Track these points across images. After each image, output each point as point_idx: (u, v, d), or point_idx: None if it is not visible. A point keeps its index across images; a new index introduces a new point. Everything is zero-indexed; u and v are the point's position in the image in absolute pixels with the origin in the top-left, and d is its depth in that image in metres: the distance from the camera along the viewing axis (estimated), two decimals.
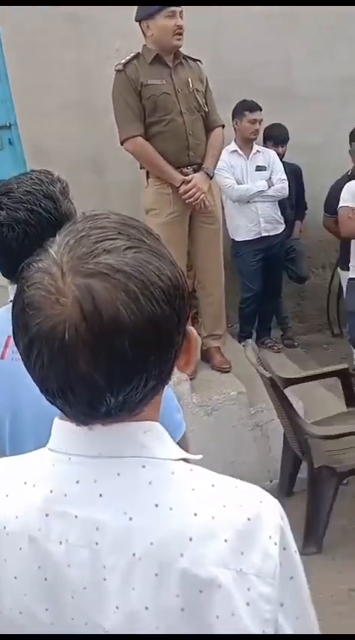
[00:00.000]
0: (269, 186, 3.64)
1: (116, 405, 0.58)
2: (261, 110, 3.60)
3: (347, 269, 3.55)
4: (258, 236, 3.68)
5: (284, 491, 2.80)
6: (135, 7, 2.81)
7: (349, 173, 3.54)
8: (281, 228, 3.77)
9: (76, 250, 0.57)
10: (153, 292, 0.57)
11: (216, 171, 3.49)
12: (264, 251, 3.72)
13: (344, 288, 3.69)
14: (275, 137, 3.78)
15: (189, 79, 2.80)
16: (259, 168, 3.67)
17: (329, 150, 3.72)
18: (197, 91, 2.81)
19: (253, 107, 3.59)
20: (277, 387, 2.47)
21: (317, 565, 2.32)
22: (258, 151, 3.70)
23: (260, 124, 3.62)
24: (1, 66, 3.46)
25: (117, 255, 0.57)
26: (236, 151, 3.66)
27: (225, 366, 3.06)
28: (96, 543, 0.60)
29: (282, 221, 3.77)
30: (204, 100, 2.83)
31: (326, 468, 2.43)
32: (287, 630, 0.61)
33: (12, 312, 0.61)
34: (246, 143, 3.67)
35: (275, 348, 3.88)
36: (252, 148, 3.69)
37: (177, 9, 2.67)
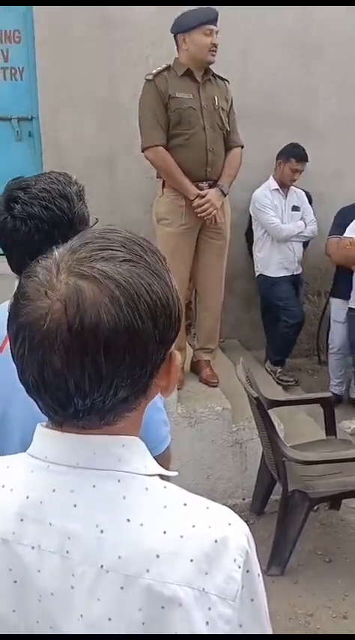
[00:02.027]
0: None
1: (84, 408, 0.60)
2: (307, 162, 3.69)
3: (338, 297, 3.71)
4: (291, 274, 3.83)
5: (255, 510, 2.84)
6: (169, 17, 2.87)
7: None
8: (301, 269, 3.94)
9: (77, 254, 0.60)
10: (137, 305, 0.59)
11: (259, 208, 3.67)
12: (289, 288, 3.86)
13: (331, 316, 3.84)
14: (299, 155, 3.74)
15: (216, 97, 2.86)
16: (295, 209, 3.80)
17: (338, 183, 3.81)
18: (222, 109, 2.87)
19: (301, 157, 3.69)
20: (262, 407, 2.51)
21: (279, 587, 2.37)
22: (293, 192, 3.82)
23: (300, 174, 3.70)
24: (31, 57, 3.49)
25: (113, 264, 0.59)
26: (277, 189, 3.76)
27: (213, 381, 3.10)
28: (67, 552, 0.61)
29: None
30: (227, 119, 2.89)
31: (299, 492, 2.47)
32: None
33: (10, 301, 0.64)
34: (283, 184, 3.77)
35: (284, 377, 3.96)
36: (289, 188, 3.81)
37: (215, 28, 2.75)
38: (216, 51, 2.77)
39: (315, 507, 2.73)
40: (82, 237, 0.63)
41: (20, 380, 0.63)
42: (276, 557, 2.49)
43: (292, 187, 3.82)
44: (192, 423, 2.86)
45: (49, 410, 0.62)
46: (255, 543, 0.65)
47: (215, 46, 2.75)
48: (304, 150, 3.70)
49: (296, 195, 3.83)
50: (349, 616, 2.30)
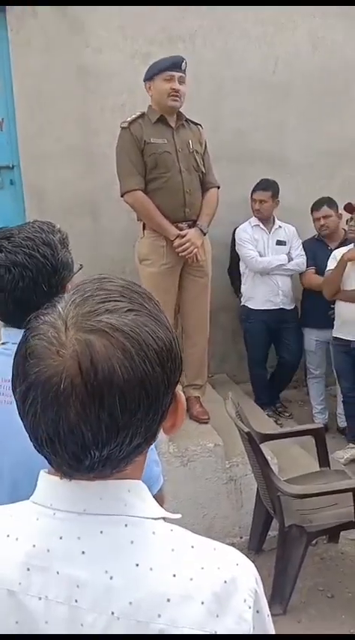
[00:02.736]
0: (289, 260, 3.82)
1: (100, 460, 0.60)
2: (263, 190, 3.76)
3: (307, 327, 3.87)
4: (275, 307, 3.84)
5: (253, 547, 2.80)
6: (143, 65, 2.98)
7: (315, 237, 3.89)
8: (294, 304, 3.94)
9: (81, 308, 0.61)
10: (147, 353, 0.60)
11: (238, 243, 3.75)
12: (279, 322, 3.87)
13: (306, 345, 3.93)
14: (258, 186, 3.81)
15: (190, 141, 2.95)
16: (279, 243, 3.85)
17: (310, 217, 3.90)
18: (196, 152, 2.95)
19: (260, 187, 3.78)
20: (254, 442, 2.50)
21: (281, 627, 2.32)
22: (279, 227, 3.88)
23: (262, 203, 3.76)
24: (10, 108, 3.58)
25: (118, 315, 0.60)
26: (258, 225, 3.84)
27: (204, 417, 3.09)
28: (76, 600, 0.60)
29: (294, 298, 3.94)
30: (202, 161, 2.98)
31: (296, 527, 2.44)
32: None
33: (14, 359, 0.64)
34: (264, 219, 3.84)
35: (286, 414, 4.00)
36: (273, 223, 3.87)
37: (176, 74, 2.83)
38: (177, 96, 2.82)
39: (314, 541, 2.70)
40: (80, 290, 0.64)
41: (31, 438, 0.63)
42: (277, 596, 2.44)
43: (278, 222, 3.87)
44: (184, 461, 2.83)
45: (65, 465, 0.62)
46: (262, 587, 0.66)
47: (175, 90, 2.81)
48: (267, 181, 3.78)
49: (284, 230, 3.88)
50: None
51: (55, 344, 0.59)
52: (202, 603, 0.59)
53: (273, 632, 0.66)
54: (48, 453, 0.62)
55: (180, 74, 2.84)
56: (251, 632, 0.61)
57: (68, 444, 0.60)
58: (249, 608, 0.61)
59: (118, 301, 0.62)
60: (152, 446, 1.16)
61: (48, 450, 0.62)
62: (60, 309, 0.62)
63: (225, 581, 0.61)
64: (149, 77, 2.90)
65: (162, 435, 0.67)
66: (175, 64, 2.82)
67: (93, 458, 0.60)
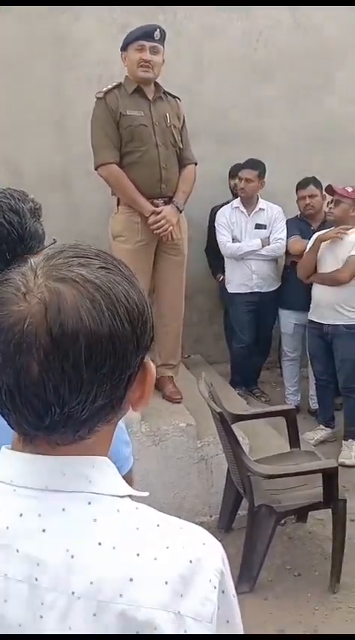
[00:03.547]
0: (264, 245, 3.75)
1: (61, 419, 0.58)
2: (251, 169, 3.70)
3: (285, 308, 3.87)
4: (250, 291, 3.82)
5: (223, 526, 2.81)
6: (121, 34, 2.88)
7: (298, 216, 3.85)
8: (276, 285, 3.90)
9: (52, 260, 0.60)
10: (117, 308, 0.58)
11: (216, 226, 3.69)
12: (256, 304, 3.85)
13: (280, 327, 3.95)
14: (245, 164, 3.76)
15: (167, 114, 2.87)
16: (259, 226, 3.78)
17: (292, 195, 3.87)
18: (174, 126, 2.88)
19: (247, 165, 3.72)
20: (225, 422, 2.50)
21: (248, 605, 2.34)
22: (261, 209, 3.80)
23: (248, 182, 3.69)
24: None
25: (91, 269, 0.59)
26: (238, 207, 3.78)
27: (177, 397, 3.07)
28: (36, 579, 0.59)
29: (278, 278, 3.90)
30: (179, 137, 2.91)
31: (265, 507, 2.45)
32: None
33: None
34: (245, 200, 3.78)
35: (263, 399, 4.01)
36: (255, 206, 3.79)
37: (147, 44, 2.73)
38: (147, 67, 2.73)
39: (282, 521, 2.73)
40: (54, 247, 0.63)
41: None
42: (245, 574, 2.47)
43: (261, 204, 3.80)
44: (156, 441, 2.82)
45: (23, 422, 0.59)
46: (229, 567, 0.64)
47: (145, 61, 2.72)
48: (254, 160, 3.72)
49: (266, 212, 3.80)
50: (320, 630, 2.28)
51: (22, 290, 0.58)
52: (166, 583, 0.58)
53: (239, 613, 0.64)
54: (8, 411, 0.60)
55: (153, 44, 2.74)
56: (216, 612, 0.59)
57: (29, 397, 0.57)
58: (215, 588, 0.60)
59: (92, 258, 0.61)
60: (123, 427, 1.15)
61: (8, 406, 0.59)
62: (32, 261, 0.61)
63: (191, 561, 0.59)
64: (123, 47, 2.81)
65: (133, 414, 0.64)
66: (147, 33, 2.73)
67: (53, 415, 0.58)
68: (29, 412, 0.58)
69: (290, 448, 2.89)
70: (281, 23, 4.06)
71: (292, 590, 2.49)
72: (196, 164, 3.02)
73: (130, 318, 0.60)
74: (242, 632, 0.65)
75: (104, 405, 0.60)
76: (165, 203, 2.86)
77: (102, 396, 0.59)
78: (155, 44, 2.74)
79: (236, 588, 0.64)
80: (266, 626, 2.28)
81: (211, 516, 2.90)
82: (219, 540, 0.65)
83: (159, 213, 2.81)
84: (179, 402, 3.06)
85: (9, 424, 0.62)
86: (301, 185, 3.76)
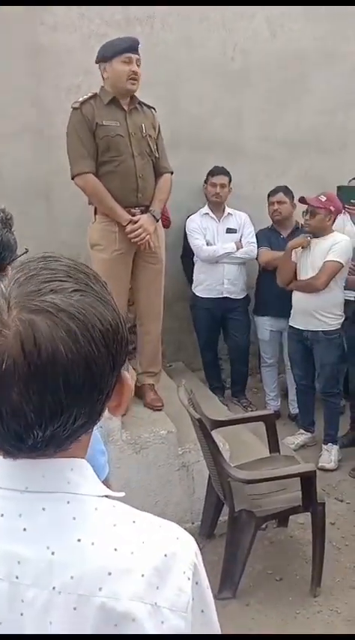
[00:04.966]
0: (238, 248, 3.82)
1: (43, 440, 0.60)
2: (224, 175, 3.80)
3: (260, 315, 3.92)
4: (219, 296, 3.85)
5: (205, 533, 2.82)
6: (99, 45, 2.89)
7: (269, 227, 3.93)
8: (244, 294, 3.95)
9: (24, 287, 0.60)
10: (92, 334, 0.60)
11: (187, 233, 3.77)
12: (222, 311, 3.89)
13: (257, 334, 4.00)
14: (215, 171, 3.84)
15: (143, 125, 2.89)
16: (230, 231, 3.86)
17: (266, 205, 3.92)
18: (149, 136, 2.90)
19: (215, 171, 3.81)
20: (205, 429, 2.51)
21: (231, 611, 2.34)
22: (229, 214, 3.89)
23: (223, 188, 3.79)
24: None
25: (63, 295, 0.60)
26: (207, 213, 3.85)
27: (158, 404, 3.08)
28: (17, 577, 0.61)
29: (245, 287, 3.95)
30: (155, 146, 2.93)
31: (246, 512, 2.46)
32: None
33: None
34: (215, 206, 3.85)
35: (250, 409, 4.00)
36: (224, 211, 3.88)
37: (134, 56, 2.77)
38: (135, 79, 2.77)
39: (263, 526, 2.74)
40: (24, 268, 0.63)
41: None
42: (227, 580, 2.47)
43: (228, 210, 3.89)
44: (137, 449, 2.82)
45: (7, 444, 0.61)
46: (206, 568, 0.67)
47: (135, 73, 2.76)
48: (223, 167, 3.83)
49: (234, 217, 3.89)
50: (301, 635, 2.30)
51: None
52: (142, 576, 0.60)
53: (213, 604, 0.67)
54: None
55: (137, 56, 2.79)
56: (190, 603, 0.63)
57: (10, 424, 0.59)
58: (189, 579, 0.63)
59: (64, 281, 0.61)
60: (98, 436, 1.16)
61: None
62: (2, 288, 0.61)
63: (165, 555, 0.62)
64: (104, 58, 2.82)
65: (114, 423, 0.67)
66: (133, 47, 2.77)
67: (36, 438, 0.60)
68: (12, 436, 0.60)
69: (270, 453, 2.91)
70: (258, 34, 4.12)
71: (274, 595, 2.50)
72: (172, 173, 3.05)
73: (106, 342, 0.61)
74: (216, 622, 0.68)
75: (84, 423, 0.63)
76: (142, 212, 2.88)
77: (82, 416, 0.61)
78: (138, 57, 2.79)
79: (218, 595, 0.67)
80: (249, 632, 2.28)
81: (193, 523, 2.91)
82: (201, 547, 0.68)
83: (136, 222, 2.83)
84: (160, 410, 3.07)
85: None
86: (272, 192, 3.87)
